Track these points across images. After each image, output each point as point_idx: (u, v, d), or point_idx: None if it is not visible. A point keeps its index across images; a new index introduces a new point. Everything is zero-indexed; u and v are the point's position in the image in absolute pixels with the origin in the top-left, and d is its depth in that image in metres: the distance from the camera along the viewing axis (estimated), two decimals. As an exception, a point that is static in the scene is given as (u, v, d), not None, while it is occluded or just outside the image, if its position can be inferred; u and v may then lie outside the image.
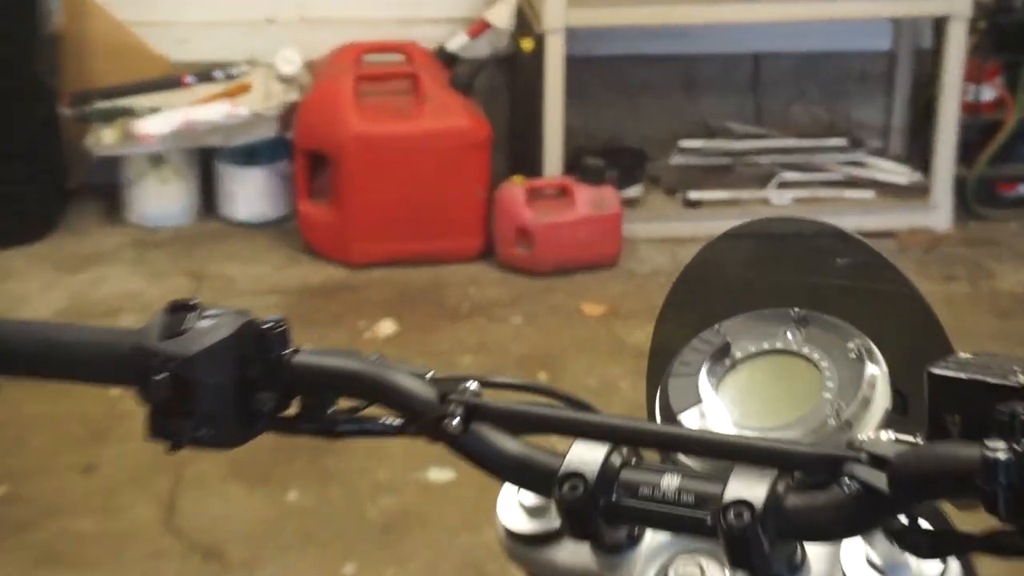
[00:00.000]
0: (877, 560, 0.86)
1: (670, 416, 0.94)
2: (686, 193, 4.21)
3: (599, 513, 0.86)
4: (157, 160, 4.11)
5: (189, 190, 4.20)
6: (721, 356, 0.97)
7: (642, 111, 4.53)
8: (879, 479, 0.78)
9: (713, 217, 4.16)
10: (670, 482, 0.86)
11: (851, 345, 0.94)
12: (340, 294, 3.82)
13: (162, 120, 3.93)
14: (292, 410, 0.93)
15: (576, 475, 0.86)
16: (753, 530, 0.80)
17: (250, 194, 4.16)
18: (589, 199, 3.93)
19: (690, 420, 0.94)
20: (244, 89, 4.02)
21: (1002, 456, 0.72)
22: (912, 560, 0.85)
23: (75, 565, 2.66)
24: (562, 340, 3.57)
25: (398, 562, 2.69)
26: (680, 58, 4.53)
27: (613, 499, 0.86)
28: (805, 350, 0.95)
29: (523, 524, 0.95)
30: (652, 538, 0.92)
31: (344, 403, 0.93)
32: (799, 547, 0.87)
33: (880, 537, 0.86)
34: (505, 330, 3.62)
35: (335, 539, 2.77)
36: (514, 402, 0.89)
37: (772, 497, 0.82)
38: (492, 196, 3.96)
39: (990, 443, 0.72)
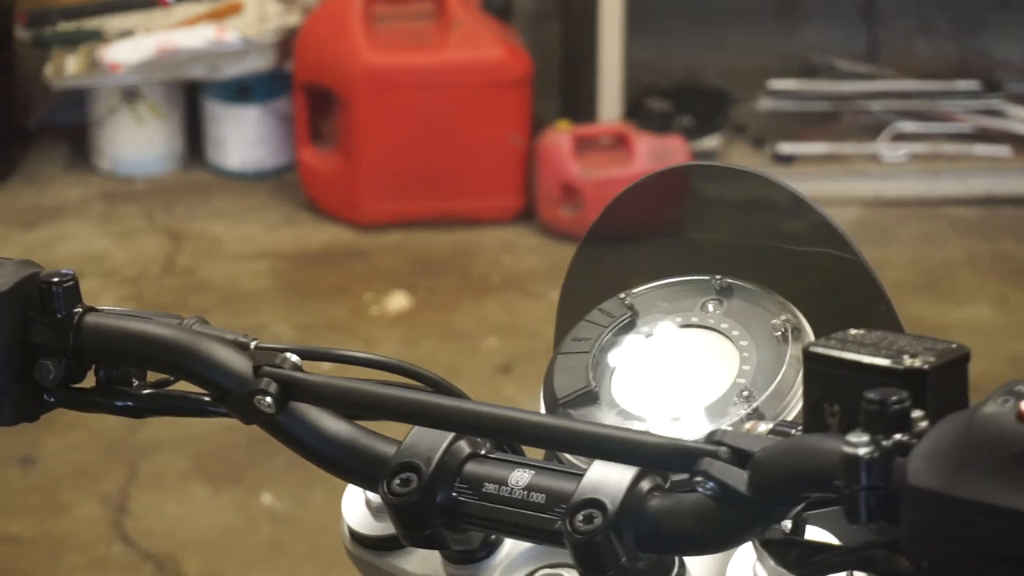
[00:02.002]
0: None
1: (553, 402, 1.00)
2: (776, 146, 4.28)
3: (436, 514, 0.89)
4: (131, 96, 4.25)
5: (170, 132, 4.34)
6: (625, 331, 1.03)
7: (727, 43, 4.60)
8: (738, 479, 0.80)
9: (809, 176, 4.22)
10: (519, 478, 0.89)
11: (776, 322, 1.01)
12: (345, 260, 3.94)
13: (133, 46, 4.07)
14: (90, 383, 0.98)
15: (409, 466, 0.90)
16: (605, 537, 0.84)
17: (242, 138, 4.29)
18: (650, 150, 4.01)
19: (578, 407, 0.99)
20: (234, 9, 4.15)
21: (863, 452, 0.74)
22: None
23: (3, 573, 2.81)
24: (609, 322, 3.65)
25: (387, 581, 2.81)
26: (776, -22, 4.60)
27: (452, 496, 0.89)
28: (723, 326, 1.01)
29: (368, 526, 0.99)
30: (511, 547, 0.96)
31: (156, 376, 0.98)
32: (677, 560, 0.90)
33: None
34: (541, 308, 3.71)
35: (312, 553, 2.89)
36: (343, 378, 0.92)
37: (631, 498, 0.84)
38: (533, 145, 4.05)
39: (852, 437, 0.74)
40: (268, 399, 0.91)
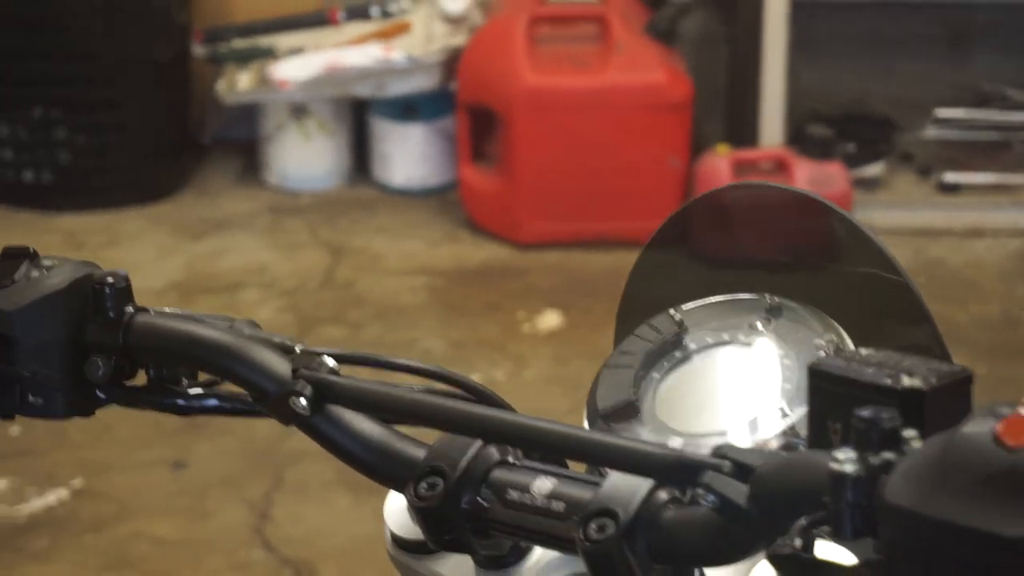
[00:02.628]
0: None
1: (594, 413, 1.01)
2: (942, 175, 4.23)
3: (461, 518, 0.91)
4: (300, 112, 4.34)
5: (337, 149, 4.42)
6: (671, 347, 1.04)
7: (896, 71, 4.55)
8: (738, 492, 0.81)
9: (975, 206, 4.17)
10: (542, 486, 0.90)
11: (820, 342, 1.01)
12: (501, 278, 3.98)
13: (301, 64, 4.15)
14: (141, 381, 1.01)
15: (436, 471, 0.91)
16: (618, 547, 0.84)
17: (408, 156, 4.35)
18: (810, 176, 3.98)
19: (618, 421, 1.00)
20: (402, 29, 4.22)
21: (848, 469, 0.74)
22: None
23: (146, 573, 2.89)
24: (760, 347, 3.64)
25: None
26: (948, 4, 4.53)
27: (477, 502, 0.91)
28: (769, 345, 1.01)
29: (407, 529, 0.99)
30: (541, 554, 0.96)
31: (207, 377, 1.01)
32: (697, 572, 0.91)
33: None
34: (692, 332, 3.71)
35: (447, 565, 2.92)
36: (377, 382, 0.94)
37: (645, 509, 0.85)
38: (692, 168, 4.06)
39: (839, 454, 0.75)
40: (303, 401, 0.94)
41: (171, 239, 4.18)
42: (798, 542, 0.84)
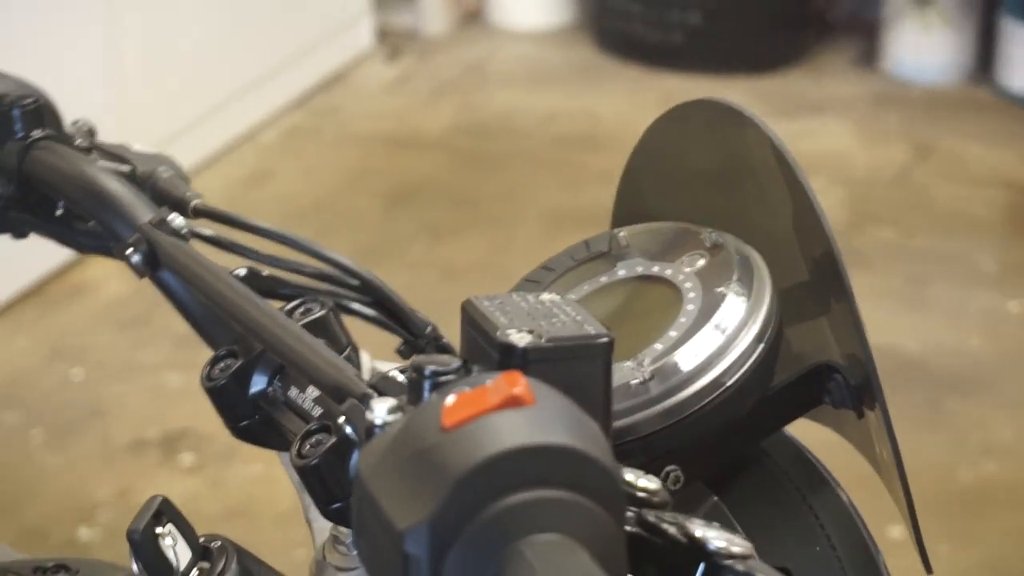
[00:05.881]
0: None
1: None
2: None
3: (250, 407, 0.84)
4: (924, 0, 4.15)
5: (958, 44, 4.18)
6: (595, 270, 0.94)
7: None
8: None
9: None
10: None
11: (722, 290, 0.89)
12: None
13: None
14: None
15: (232, 353, 0.85)
16: (328, 465, 0.75)
17: (1032, 60, 4.07)
18: None
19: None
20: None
21: (378, 421, 0.66)
22: None
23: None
24: None
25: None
26: None
27: (265, 392, 0.84)
28: (687, 285, 0.91)
29: None
30: None
31: None
32: None
33: None
34: None
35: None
36: (204, 258, 0.88)
37: (366, 428, 0.74)
38: None
39: (377, 403, 0.66)
40: (137, 257, 0.91)
41: (761, 113, 4.11)
42: None
